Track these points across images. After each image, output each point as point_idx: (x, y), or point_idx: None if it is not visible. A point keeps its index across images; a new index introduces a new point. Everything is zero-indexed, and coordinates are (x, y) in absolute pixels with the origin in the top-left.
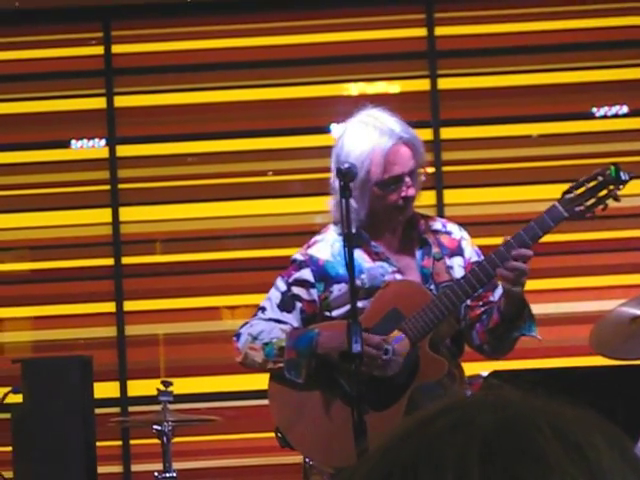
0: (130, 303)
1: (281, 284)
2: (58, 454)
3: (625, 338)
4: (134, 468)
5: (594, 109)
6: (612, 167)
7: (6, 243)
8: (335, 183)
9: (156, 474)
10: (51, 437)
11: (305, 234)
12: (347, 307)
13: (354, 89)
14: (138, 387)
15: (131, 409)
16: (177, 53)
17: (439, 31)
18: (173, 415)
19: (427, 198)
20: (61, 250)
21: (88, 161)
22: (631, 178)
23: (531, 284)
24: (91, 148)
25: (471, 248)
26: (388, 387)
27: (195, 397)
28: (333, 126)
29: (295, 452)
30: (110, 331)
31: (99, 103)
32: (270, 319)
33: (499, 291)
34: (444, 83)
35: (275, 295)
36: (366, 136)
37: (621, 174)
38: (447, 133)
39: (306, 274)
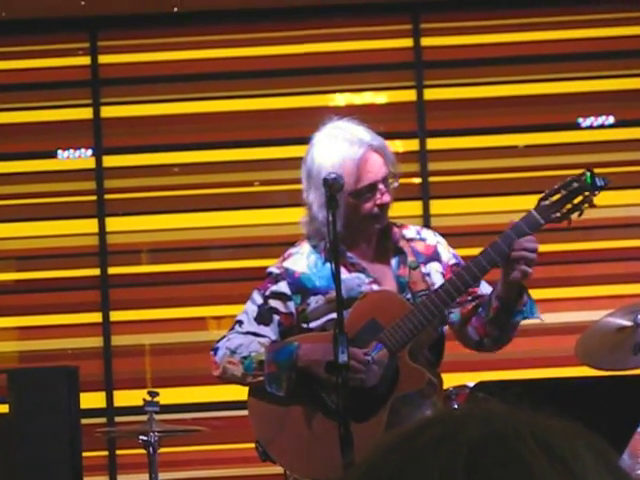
0: (116, 313)
1: (257, 297)
2: (44, 464)
3: (611, 348)
4: (120, 478)
5: (580, 120)
6: (587, 173)
7: None
8: (309, 197)
9: None
10: (37, 447)
11: (292, 245)
12: (325, 319)
13: (341, 99)
14: (124, 397)
15: (117, 419)
16: (164, 64)
17: (425, 42)
18: (159, 425)
19: (413, 209)
20: (47, 260)
21: (75, 171)
22: (606, 184)
23: None
24: (78, 158)
25: (448, 252)
26: (368, 398)
27: (181, 407)
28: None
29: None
30: (96, 341)
31: (86, 113)
32: (248, 332)
33: (485, 285)
34: (430, 94)
35: (252, 308)
36: (336, 148)
37: (596, 180)
38: (433, 144)
39: (282, 287)
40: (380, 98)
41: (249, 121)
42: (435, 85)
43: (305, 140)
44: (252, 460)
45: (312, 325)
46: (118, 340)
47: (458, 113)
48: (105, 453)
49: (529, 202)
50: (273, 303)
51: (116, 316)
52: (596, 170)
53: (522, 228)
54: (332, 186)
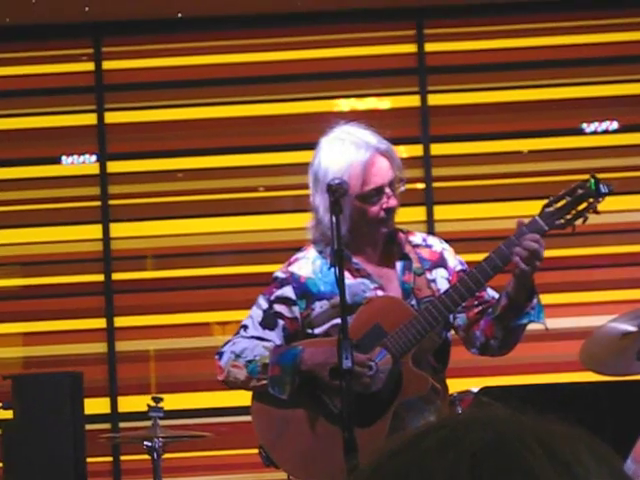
0: (120, 319)
1: (263, 302)
2: (48, 470)
3: (615, 354)
4: None
5: (584, 125)
6: (592, 180)
7: None
8: (315, 201)
9: None
10: (41, 453)
11: (297, 250)
12: (329, 324)
13: (345, 105)
14: (128, 403)
15: (121, 425)
16: (168, 69)
17: (429, 47)
18: (164, 431)
19: (417, 214)
20: (51, 266)
21: (79, 177)
22: (611, 190)
23: None
24: (82, 164)
25: (454, 258)
26: (372, 404)
27: (186, 413)
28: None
29: (280, 470)
30: (100, 347)
31: (90, 119)
32: (252, 337)
33: (492, 291)
34: (434, 99)
35: (257, 313)
36: (343, 151)
37: (600, 187)
38: (437, 149)
39: (288, 291)
40: (384, 104)
41: (253, 127)
42: (439, 91)
43: (309, 145)
44: (256, 466)
45: (317, 330)
46: (122, 346)
47: (462, 119)
48: (109, 459)
49: (533, 207)
50: (278, 308)
51: (120, 322)
52: (600, 175)
53: (526, 234)
54: (336, 191)
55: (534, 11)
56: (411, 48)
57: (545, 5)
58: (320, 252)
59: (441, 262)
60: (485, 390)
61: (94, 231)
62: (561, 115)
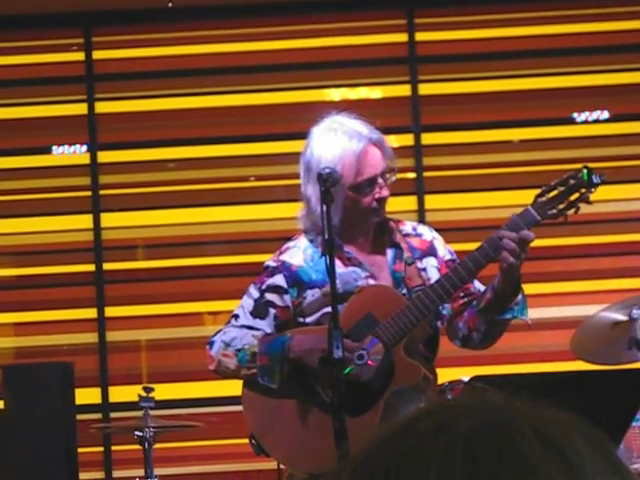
0: (111, 309)
1: (254, 291)
2: (40, 460)
3: (606, 343)
4: (116, 474)
5: (575, 114)
6: (584, 170)
7: None
8: (307, 191)
9: None
10: (32, 443)
11: (288, 239)
12: (320, 312)
13: (335, 95)
14: (119, 393)
15: (112, 415)
16: (158, 59)
17: (420, 37)
18: (155, 421)
19: (408, 203)
20: (42, 256)
21: (69, 167)
22: (603, 181)
23: None
24: (72, 154)
25: (444, 247)
26: (364, 392)
27: (177, 403)
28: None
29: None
30: (91, 337)
31: (80, 109)
32: (243, 326)
33: (478, 284)
34: (425, 89)
35: (248, 302)
36: (335, 141)
37: (593, 177)
38: (428, 138)
39: (279, 280)
40: (375, 93)
41: (244, 116)
42: (430, 80)
43: (300, 135)
44: (247, 455)
45: (308, 319)
46: (113, 336)
47: (453, 108)
48: (100, 449)
49: (524, 197)
50: (269, 296)
51: (111, 312)
52: (591, 165)
53: (518, 224)
54: (327, 180)
55: (525, 0)
56: (402, 37)
57: None
58: (311, 241)
59: (431, 251)
60: (476, 379)
61: (85, 221)
62: (552, 104)
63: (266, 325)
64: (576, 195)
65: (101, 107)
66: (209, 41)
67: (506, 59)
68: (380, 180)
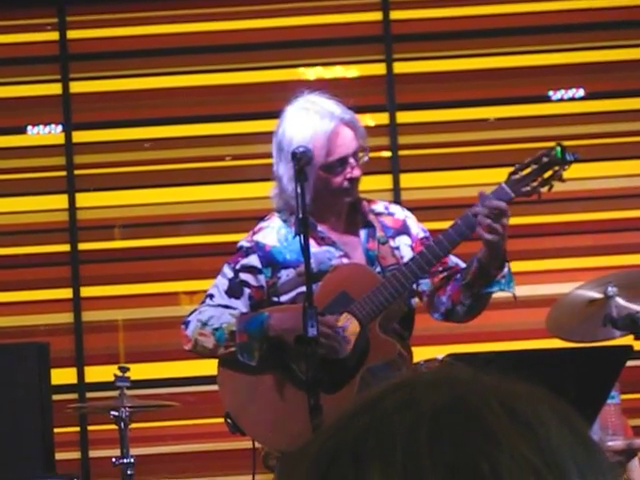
0: (87, 289)
1: (228, 271)
2: (16, 440)
3: (581, 321)
4: (92, 454)
5: (551, 92)
6: (558, 148)
7: None
8: (279, 170)
9: (114, 460)
10: (8, 423)
11: (261, 220)
12: (295, 292)
13: (310, 73)
14: (95, 373)
15: (89, 395)
16: (133, 38)
17: (394, 15)
18: (131, 401)
19: (383, 182)
20: (17, 236)
21: (44, 147)
22: (576, 159)
23: None
24: (47, 134)
25: (417, 225)
26: (339, 369)
27: (153, 383)
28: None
29: (248, 437)
30: (67, 317)
31: (55, 89)
32: (219, 305)
33: (454, 258)
34: (400, 67)
35: (222, 282)
36: (307, 121)
37: (566, 155)
38: (403, 117)
39: (253, 260)
40: (349, 72)
41: (219, 96)
42: (405, 59)
43: (275, 114)
44: (223, 435)
45: (283, 298)
46: (89, 316)
47: (428, 86)
48: (77, 429)
49: (500, 175)
50: (244, 276)
51: (87, 292)
52: (566, 143)
53: (492, 201)
54: (300, 159)
55: None
56: (377, 16)
57: None
58: (285, 221)
59: (404, 229)
60: (453, 355)
61: (60, 201)
62: (527, 82)
63: (241, 304)
64: (549, 173)
65: (76, 87)
66: (184, 20)
67: (481, 37)
68: (352, 160)
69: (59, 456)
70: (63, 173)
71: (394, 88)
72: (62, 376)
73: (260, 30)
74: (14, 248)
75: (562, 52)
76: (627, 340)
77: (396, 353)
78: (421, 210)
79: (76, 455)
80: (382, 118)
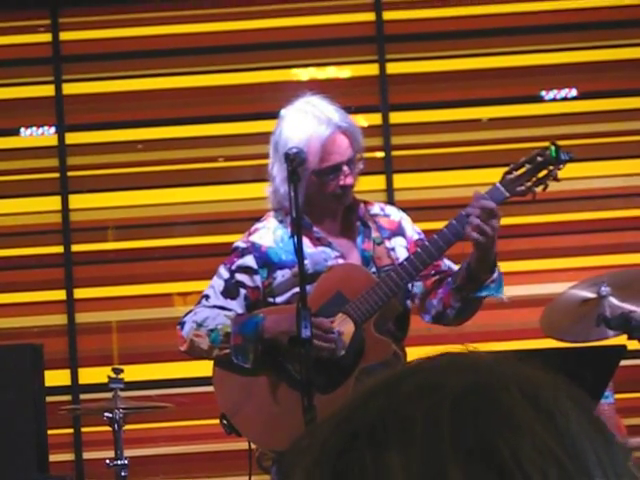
0: (80, 291)
1: (224, 272)
2: (9, 442)
3: (575, 321)
4: (86, 456)
5: (543, 92)
6: (552, 147)
7: None
8: (273, 170)
9: (108, 461)
10: (2, 425)
11: (257, 220)
12: (291, 292)
13: (303, 74)
14: (89, 375)
15: (82, 397)
16: (125, 40)
17: (387, 15)
18: (124, 402)
19: (377, 183)
20: (10, 238)
21: (37, 149)
22: (571, 158)
23: None
24: (40, 136)
25: (412, 227)
26: (334, 369)
27: (147, 384)
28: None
29: (245, 439)
30: (60, 319)
31: (48, 91)
32: (214, 306)
33: (448, 262)
34: (393, 67)
35: (218, 283)
36: (304, 124)
37: (561, 154)
38: (396, 117)
39: (249, 261)
40: (342, 72)
41: (212, 97)
42: (397, 59)
43: (268, 115)
44: (218, 436)
45: (278, 299)
46: (82, 317)
47: (421, 87)
48: (70, 431)
49: (493, 175)
50: (239, 277)
51: (80, 293)
52: (559, 142)
53: (486, 201)
54: (293, 160)
55: None
56: (369, 16)
57: None
58: (280, 221)
59: (399, 231)
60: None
61: (53, 202)
62: (520, 82)
63: (237, 305)
64: (544, 172)
65: (69, 88)
66: (176, 22)
67: (474, 37)
68: (345, 168)
69: (53, 458)
70: (56, 175)
71: (387, 88)
72: (56, 378)
73: (252, 31)
74: (7, 250)
75: (554, 52)
76: (621, 340)
77: (391, 353)
78: (414, 210)
79: (70, 457)
80: (375, 118)
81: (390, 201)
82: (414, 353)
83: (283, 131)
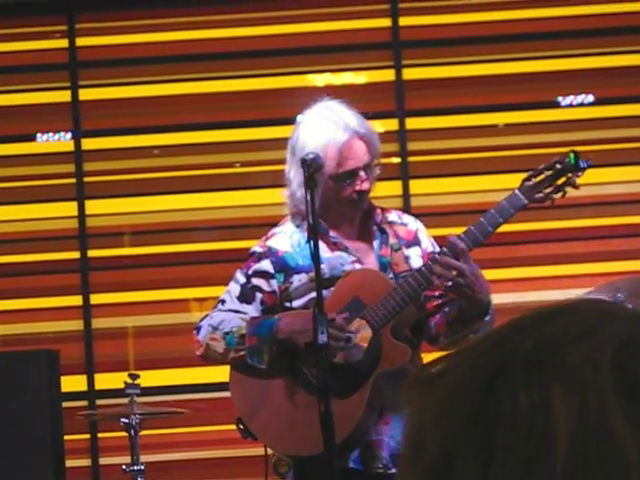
0: (97, 296)
1: (240, 277)
2: (26, 448)
3: None
4: (102, 461)
5: (560, 98)
6: (571, 154)
7: None
8: (290, 174)
9: (124, 467)
10: (18, 431)
11: (274, 225)
12: (307, 297)
13: (320, 80)
14: (105, 380)
15: (99, 402)
16: (142, 45)
17: (403, 21)
18: (141, 408)
19: (393, 188)
20: (27, 244)
21: (54, 154)
22: (590, 165)
23: (492, 274)
24: (57, 141)
25: (427, 238)
26: (351, 375)
27: (163, 390)
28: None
29: (261, 443)
30: (77, 324)
31: (64, 96)
32: (230, 310)
33: None
34: (409, 73)
35: (234, 287)
36: (321, 129)
37: (580, 161)
38: (412, 123)
39: (266, 265)
40: (359, 78)
41: (228, 102)
42: (413, 65)
43: (285, 121)
44: (234, 441)
45: (295, 304)
46: (99, 323)
47: (437, 92)
48: (87, 436)
49: (509, 181)
50: (256, 281)
51: (96, 299)
52: (576, 148)
53: (506, 208)
54: (310, 165)
55: None
56: (386, 22)
57: None
58: (297, 226)
59: (415, 241)
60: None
61: (69, 208)
62: (537, 88)
63: (253, 310)
64: (563, 179)
65: (85, 94)
66: (193, 27)
67: (490, 43)
68: (362, 173)
69: (69, 463)
70: (72, 180)
71: (403, 94)
72: (72, 383)
73: (269, 37)
74: (24, 255)
75: (571, 58)
76: None
77: (408, 359)
78: (430, 216)
79: (86, 462)
80: (391, 124)
81: (406, 207)
82: (425, 358)
83: (300, 135)
